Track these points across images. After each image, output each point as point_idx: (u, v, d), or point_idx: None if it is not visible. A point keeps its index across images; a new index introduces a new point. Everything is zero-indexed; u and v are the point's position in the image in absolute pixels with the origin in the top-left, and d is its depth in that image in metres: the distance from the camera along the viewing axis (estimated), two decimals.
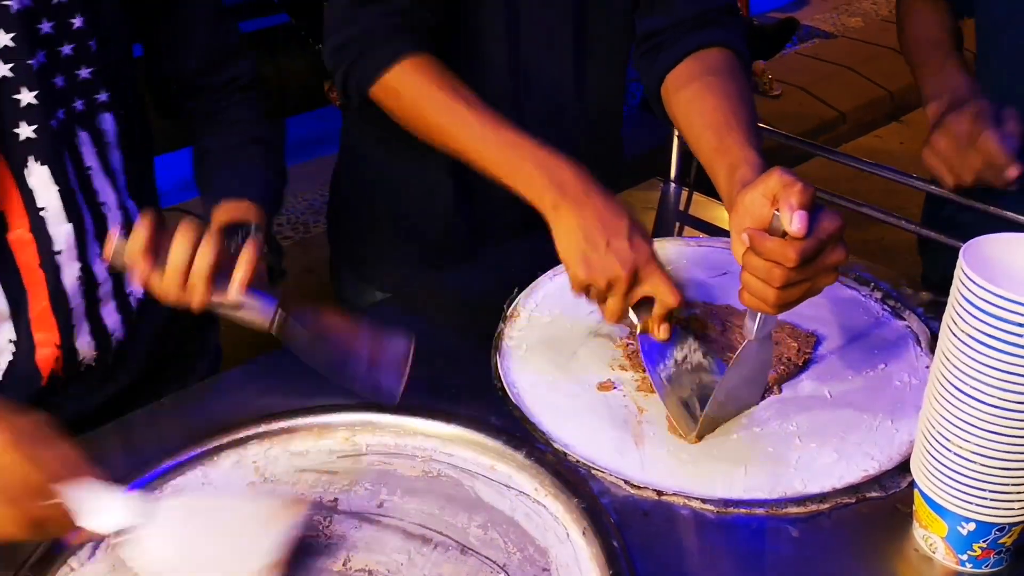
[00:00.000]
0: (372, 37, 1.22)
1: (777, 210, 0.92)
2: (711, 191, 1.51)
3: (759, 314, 0.99)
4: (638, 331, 1.09)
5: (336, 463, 1.02)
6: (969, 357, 0.80)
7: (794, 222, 0.90)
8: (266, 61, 3.21)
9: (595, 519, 0.93)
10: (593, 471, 0.99)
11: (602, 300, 1.08)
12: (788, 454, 1.02)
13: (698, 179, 1.57)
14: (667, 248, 1.37)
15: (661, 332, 1.08)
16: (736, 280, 0.99)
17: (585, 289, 1.08)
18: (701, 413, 1.03)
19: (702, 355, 1.11)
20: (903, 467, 0.99)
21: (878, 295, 1.27)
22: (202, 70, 1.26)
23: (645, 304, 1.08)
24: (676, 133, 1.54)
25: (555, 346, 1.18)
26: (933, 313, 1.23)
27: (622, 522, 0.94)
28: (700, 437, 1.04)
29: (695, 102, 1.18)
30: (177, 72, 1.26)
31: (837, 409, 1.08)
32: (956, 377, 0.81)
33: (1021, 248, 0.84)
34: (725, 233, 1.41)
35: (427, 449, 1.03)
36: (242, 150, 1.26)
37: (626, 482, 0.98)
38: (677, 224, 1.49)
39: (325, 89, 3.13)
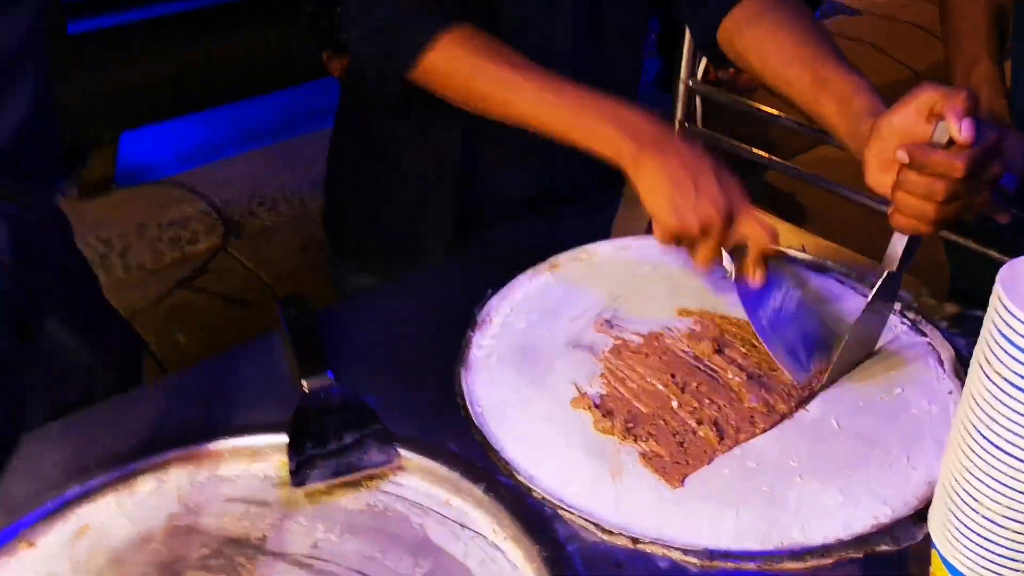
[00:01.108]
0: (404, 18, 1.13)
1: (940, 120, 0.89)
2: None
3: (906, 240, 0.95)
4: (732, 277, 1.04)
5: (269, 492, 0.89)
6: (1005, 406, 0.66)
7: (964, 129, 0.87)
8: (261, 31, 3.08)
9: (558, 571, 0.80)
10: (560, 511, 0.86)
11: (692, 247, 1.04)
12: (786, 495, 0.89)
13: None
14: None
15: (757, 276, 1.04)
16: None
17: (675, 238, 1.03)
18: (812, 360, 1.02)
19: (797, 301, 1.07)
20: (919, 515, 0.86)
21: (897, 306, 1.13)
22: None
23: (737, 248, 1.04)
24: (678, 117, 1.40)
25: (529, 357, 1.05)
26: (958, 329, 1.10)
27: (590, 574, 0.81)
28: (831, 382, 1.01)
29: (769, 40, 1.13)
30: None
31: (845, 441, 0.95)
32: (987, 427, 0.68)
33: None
34: None
35: (373, 479, 0.90)
36: None
37: (597, 526, 0.85)
38: None
39: (323, 59, 2.99)
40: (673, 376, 1.01)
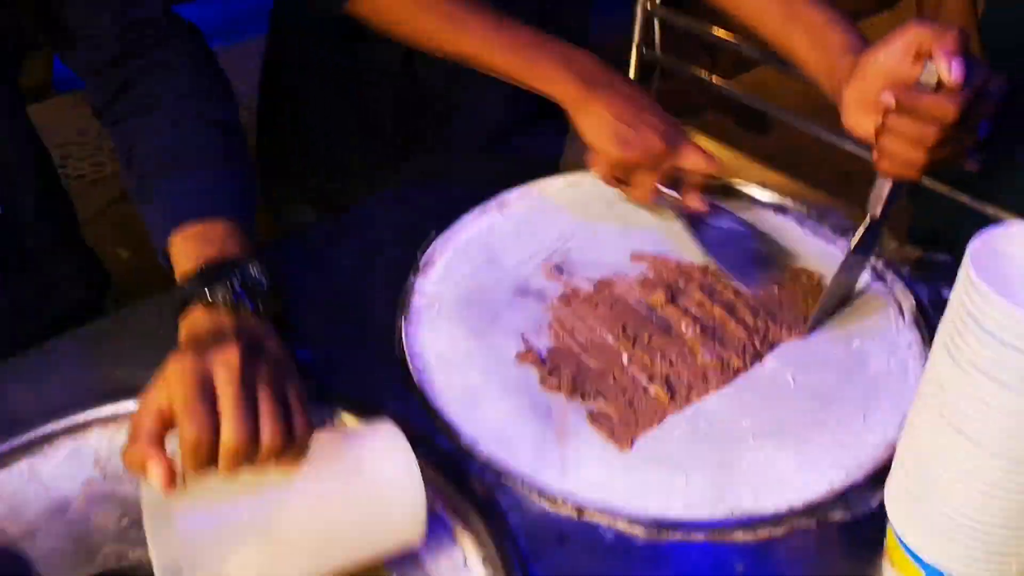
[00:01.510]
0: None
1: (928, 60, 0.83)
2: (671, 109, 1.31)
3: (889, 185, 0.91)
4: (673, 208, 1.07)
5: None
6: (974, 398, 0.62)
7: (954, 70, 0.82)
8: None
9: (500, 545, 0.77)
10: (503, 479, 0.82)
11: (630, 182, 1.06)
12: (738, 459, 0.85)
13: (660, 94, 1.37)
14: None
15: (698, 202, 1.05)
16: None
17: (616, 170, 1.05)
18: (762, 275, 1.03)
19: (743, 229, 1.08)
20: (874, 480, 0.83)
21: None
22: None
23: (676, 183, 1.06)
24: (636, 39, 1.32)
25: (474, 305, 0.99)
26: (920, 273, 1.06)
27: (533, 550, 0.77)
28: (811, 331, 0.98)
29: None
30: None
31: (800, 399, 0.91)
32: (953, 414, 0.64)
33: None
34: None
35: None
36: (195, 139, 0.92)
37: (541, 494, 0.81)
38: None
39: None
40: (624, 328, 0.96)
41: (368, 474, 0.73)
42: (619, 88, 1.05)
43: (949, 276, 0.66)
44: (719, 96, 1.32)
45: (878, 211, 0.93)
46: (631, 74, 1.35)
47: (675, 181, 1.06)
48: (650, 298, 1.00)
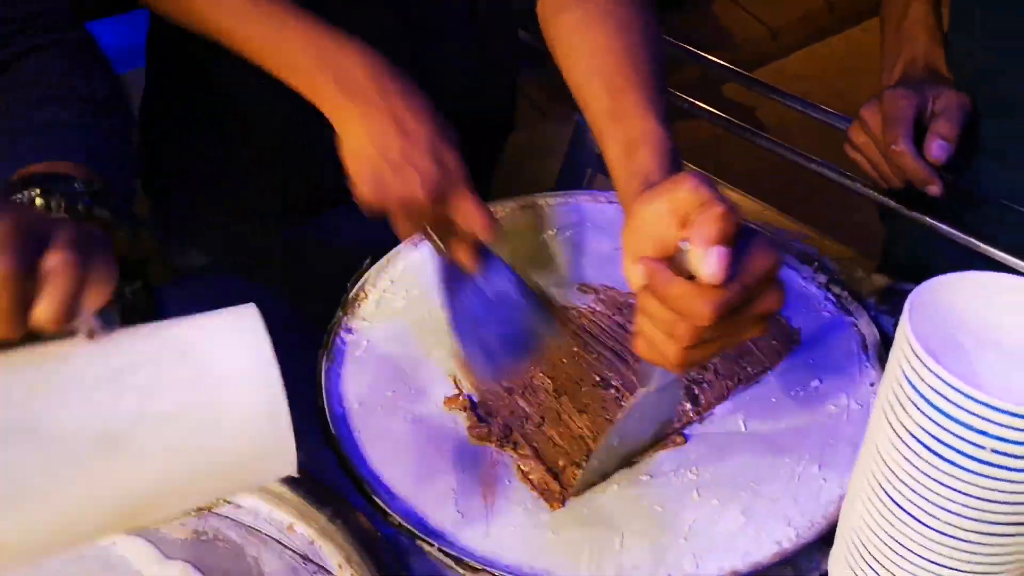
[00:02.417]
0: None
1: (686, 240, 0.66)
2: None
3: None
4: (442, 254, 0.88)
5: None
6: (912, 465, 0.55)
7: (708, 264, 0.64)
8: None
9: None
10: (419, 541, 0.75)
11: (396, 218, 0.86)
12: (681, 516, 0.79)
13: None
14: (570, 204, 1.11)
15: (466, 258, 0.87)
16: None
17: (377, 212, 0.85)
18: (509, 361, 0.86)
19: (516, 291, 0.89)
20: (826, 540, 0.76)
21: (822, 279, 1.02)
22: None
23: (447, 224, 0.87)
24: None
25: (404, 343, 0.93)
26: (887, 305, 0.99)
27: None
28: (565, 500, 0.80)
29: (578, 35, 0.89)
30: None
31: (751, 448, 0.84)
32: (892, 484, 0.57)
33: (999, 294, 0.58)
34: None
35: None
36: (59, 108, 0.84)
37: (459, 562, 0.74)
38: (588, 171, 1.21)
39: None
40: (562, 370, 0.89)
41: (200, 362, 0.55)
42: (391, 104, 0.84)
43: None
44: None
45: (652, 385, 0.75)
46: None
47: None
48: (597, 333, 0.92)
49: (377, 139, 0.82)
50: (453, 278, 0.87)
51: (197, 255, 1.17)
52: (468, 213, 0.84)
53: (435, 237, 0.87)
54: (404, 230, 0.86)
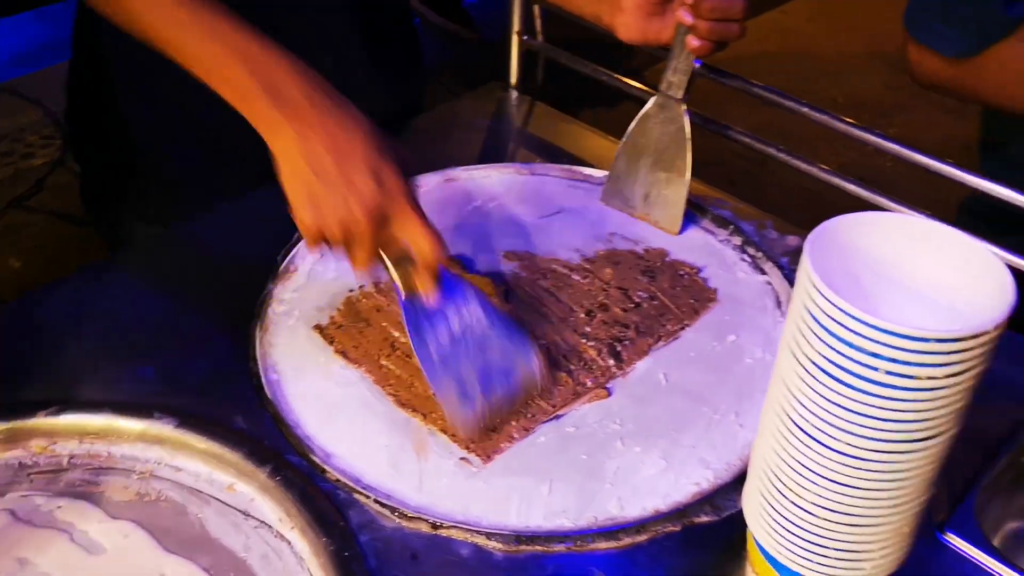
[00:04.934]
0: None
1: None
2: (558, 101, 1.27)
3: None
4: (402, 294, 0.83)
5: (26, 482, 0.79)
6: (814, 391, 0.59)
7: None
8: None
9: (346, 566, 0.72)
10: (355, 494, 0.78)
11: (344, 248, 0.82)
12: (605, 463, 0.82)
13: (545, 86, 1.34)
14: (493, 177, 1.14)
15: (428, 292, 0.82)
16: (574, 219, 0.95)
17: (320, 240, 0.81)
18: (484, 396, 0.82)
19: (488, 322, 0.85)
20: (743, 479, 0.80)
21: (738, 241, 1.06)
22: None
23: (404, 255, 0.83)
24: (516, 28, 1.28)
25: (334, 312, 0.95)
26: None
27: (382, 569, 0.73)
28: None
29: None
30: None
31: (671, 398, 0.88)
32: (797, 412, 0.61)
33: (894, 233, 0.62)
34: (571, 158, 1.19)
35: (148, 461, 0.81)
36: None
37: (394, 511, 0.77)
38: (511, 144, 1.25)
39: None
40: None
41: None
42: (325, 121, 0.80)
43: None
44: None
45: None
46: (513, 67, 1.31)
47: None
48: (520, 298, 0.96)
49: (312, 159, 0.79)
50: (418, 314, 0.83)
51: (127, 227, 1.18)
52: (413, 233, 0.80)
53: (391, 267, 0.83)
54: (358, 260, 0.82)
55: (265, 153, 0.83)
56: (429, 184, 1.12)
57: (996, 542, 0.84)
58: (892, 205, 1.02)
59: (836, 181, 1.08)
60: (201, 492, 0.79)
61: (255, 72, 0.81)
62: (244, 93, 0.81)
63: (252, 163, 0.95)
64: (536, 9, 1.27)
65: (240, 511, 0.77)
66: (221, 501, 0.78)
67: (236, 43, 0.82)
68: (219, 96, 0.83)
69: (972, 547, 0.77)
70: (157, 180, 1.16)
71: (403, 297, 0.83)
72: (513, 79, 1.31)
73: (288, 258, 0.99)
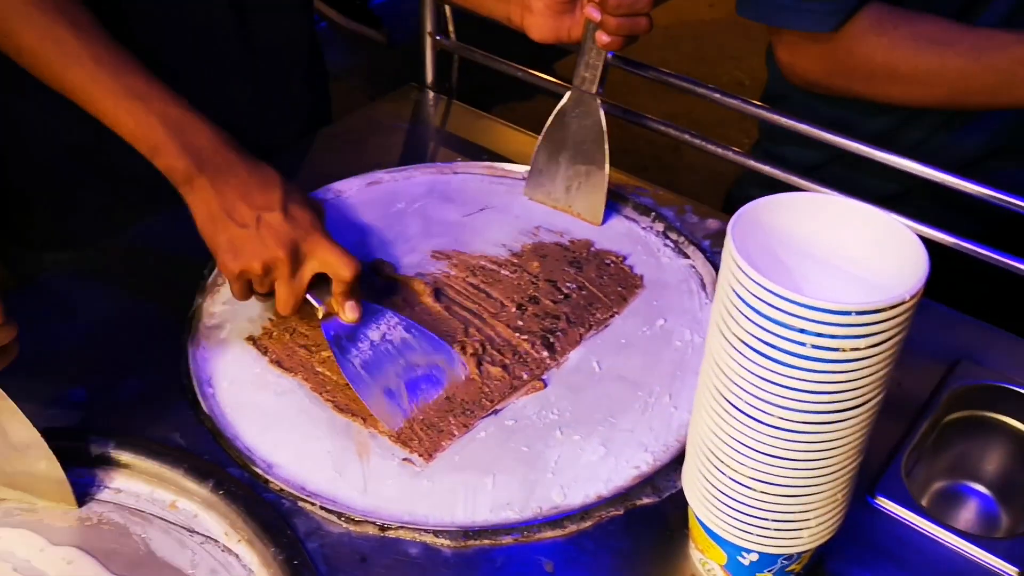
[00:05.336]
0: None
1: None
2: (475, 99, 1.28)
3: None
4: (321, 318, 0.90)
5: None
6: (743, 367, 0.61)
7: None
8: None
9: (297, 575, 0.73)
10: (300, 503, 0.78)
11: (271, 292, 0.89)
12: (546, 453, 0.84)
13: (461, 85, 1.34)
14: (416, 178, 1.14)
15: (348, 311, 0.89)
16: (499, 215, 0.97)
17: (245, 284, 0.89)
18: (413, 399, 0.87)
19: (404, 329, 0.91)
20: (681, 459, 0.82)
21: (660, 227, 1.08)
22: None
23: (323, 284, 0.89)
24: (428, 29, 1.29)
25: (264, 323, 0.95)
26: (721, 247, 1.05)
27: (333, 574, 0.74)
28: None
29: None
30: None
31: (606, 385, 0.90)
32: (729, 390, 0.63)
33: (816, 213, 0.65)
34: (491, 155, 1.20)
35: (83, 485, 0.80)
36: None
37: (341, 516, 0.77)
38: (431, 145, 1.25)
39: None
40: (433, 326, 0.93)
41: None
42: (237, 173, 0.87)
43: None
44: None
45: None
46: (428, 68, 1.31)
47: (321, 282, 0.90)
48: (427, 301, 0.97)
49: (227, 207, 0.86)
50: (339, 333, 0.89)
51: (30, 259, 1.16)
52: (326, 256, 0.87)
53: (313, 301, 0.89)
54: (283, 300, 0.88)
55: (152, 175, 0.88)
56: (352, 188, 1.12)
57: (924, 502, 0.87)
58: (806, 184, 1.05)
59: (750, 163, 1.11)
60: (143, 512, 0.78)
61: (175, 130, 0.86)
62: (163, 151, 0.86)
63: (139, 185, 0.97)
64: (448, 9, 1.28)
65: (184, 528, 0.77)
66: (164, 519, 0.78)
67: (151, 100, 0.87)
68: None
69: (902, 508, 0.80)
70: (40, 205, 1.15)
71: (321, 318, 0.90)
72: (428, 79, 1.31)
73: (215, 272, 0.99)
